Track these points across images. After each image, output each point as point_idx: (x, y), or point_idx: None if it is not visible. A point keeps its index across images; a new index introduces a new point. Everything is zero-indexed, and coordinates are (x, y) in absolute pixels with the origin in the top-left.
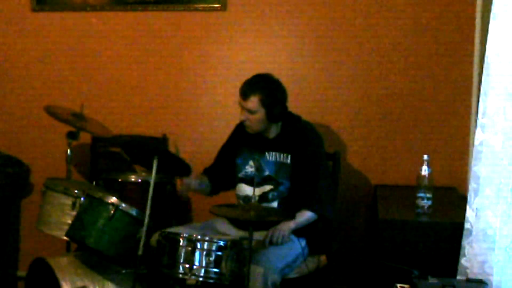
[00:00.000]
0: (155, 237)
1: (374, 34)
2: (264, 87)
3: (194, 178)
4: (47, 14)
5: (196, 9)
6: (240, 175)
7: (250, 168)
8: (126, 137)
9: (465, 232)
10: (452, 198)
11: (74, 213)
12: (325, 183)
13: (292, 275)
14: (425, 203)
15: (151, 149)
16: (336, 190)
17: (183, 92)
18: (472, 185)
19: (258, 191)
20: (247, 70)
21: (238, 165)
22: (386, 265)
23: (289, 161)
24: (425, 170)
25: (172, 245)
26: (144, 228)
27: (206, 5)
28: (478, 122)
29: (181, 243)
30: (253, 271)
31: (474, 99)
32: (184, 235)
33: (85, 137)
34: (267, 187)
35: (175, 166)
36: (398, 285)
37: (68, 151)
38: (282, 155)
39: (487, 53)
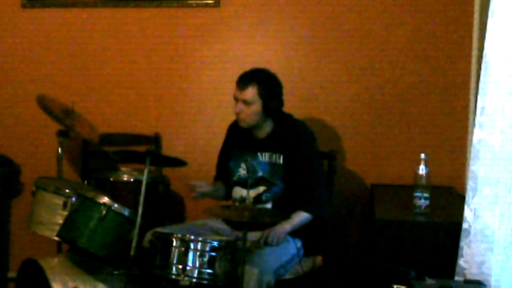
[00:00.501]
0: (148, 237)
1: (370, 31)
2: (263, 79)
3: (207, 185)
4: (37, 10)
5: (190, 6)
6: (234, 178)
7: (242, 171)
8: (118, 137)
9: (463, 232)
10: (450, 198)
11: (65, 213)
12: (319, 183)
13: (287, 276)
14: (423, 202)
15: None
16: (331, 189)
17: (176, 90)
18: (470, 185)
19: (252, 192)
20: (241, 67)
21: (231, 168)
22: (382, 265)
23: (281, 161)
24: (422, 169)
25: (165, 245)
26: (137, 228)
27: (199, 1)
28: (476, 120)
29: (174, 244)
30: (247, 272)
31: (472, 97)
32: (177, 235)
33: (76, 136)
34: (261, 189)
35: (168, 162)
36: (395, 286)
37: (59, 150)
38: (274, 155)
39: (485, 51)
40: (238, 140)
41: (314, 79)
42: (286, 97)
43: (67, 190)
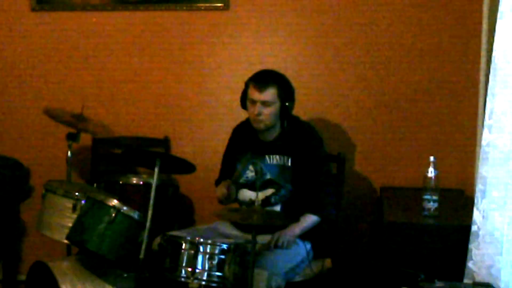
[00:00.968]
0: (157, 240)
1: (379, 34)
2: (281, 80)
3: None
4: (47, 13)
5: (199, 9)
6: (241, 180)
7: (250, 173)
8: (127, 140)
9: (472, 235)
10: (459, 200)
11: (74, 216)
12: (328, 185)
13: (297, 278)
14: (432, 205)
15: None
16: (340, 192)
17: (186, 93)
18: (479, 187)
19: (261, 195)
20: (250, 70)
21: (238, 171)
22: (391, 268)
23: (290, 164)
24: (431, 172)
25: (174, 248)
26: (146, 231)
27: (208, 5)
28: (485, 123)
29: (183, 246)
30: (257, 275)
31: (481, 99)
32: (187, 238)
33: (85, 139)
34: (269, 191)
35: (178, 166)
36: None
37: (69, 153)
38: (283, 158)
39: (494, 53)
40: (245, 142)
41: (323, 81)
42: (295, 99)
43: (76, 193)
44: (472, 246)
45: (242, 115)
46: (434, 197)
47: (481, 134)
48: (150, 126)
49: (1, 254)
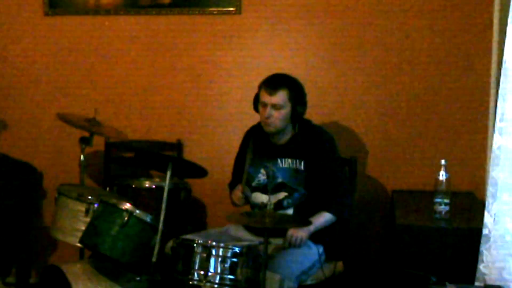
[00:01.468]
0: (170, 243)
1: (391, 38)
2: (292, 83)
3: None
4: (60, 18)
5: (211, 13)
6: (253, 184)
7: (262, 176)
8: (140, 144)
9: (483, 238)
10: (470, 204)
11: (87, 219)
12: (343, 186)
13: (309, 281)
14: (443, 208)
15: (165, 156)
16: (352, 195)
17: (198, 97)
18: (490, 190)
19: (273, 198)
20: (263, 74)
21: (250, 174)
22: (403, 271)
23: (303, 167)
24: (442, 175)
25: (187, 251)
26: (159, 235)
27: (220, 9)
28: (496, 126)
29: (196, 250)
30: (269, 278)
31: (492, 103)
32: (199, 241)
33: (98, 143)
34: (282, 194)
35: (190, 170)
36: None
37: (81, 156)
38: (295, 161)
39: (504, 57)
40: (257, 146)
41: (335, 86)
42: (307, 103)
43: (89, 197)
44: (483, 248)
45: (255, 119)
46: (446, 200)
47: (492, 137)
48: (163, 130)
49: (14, 258)
